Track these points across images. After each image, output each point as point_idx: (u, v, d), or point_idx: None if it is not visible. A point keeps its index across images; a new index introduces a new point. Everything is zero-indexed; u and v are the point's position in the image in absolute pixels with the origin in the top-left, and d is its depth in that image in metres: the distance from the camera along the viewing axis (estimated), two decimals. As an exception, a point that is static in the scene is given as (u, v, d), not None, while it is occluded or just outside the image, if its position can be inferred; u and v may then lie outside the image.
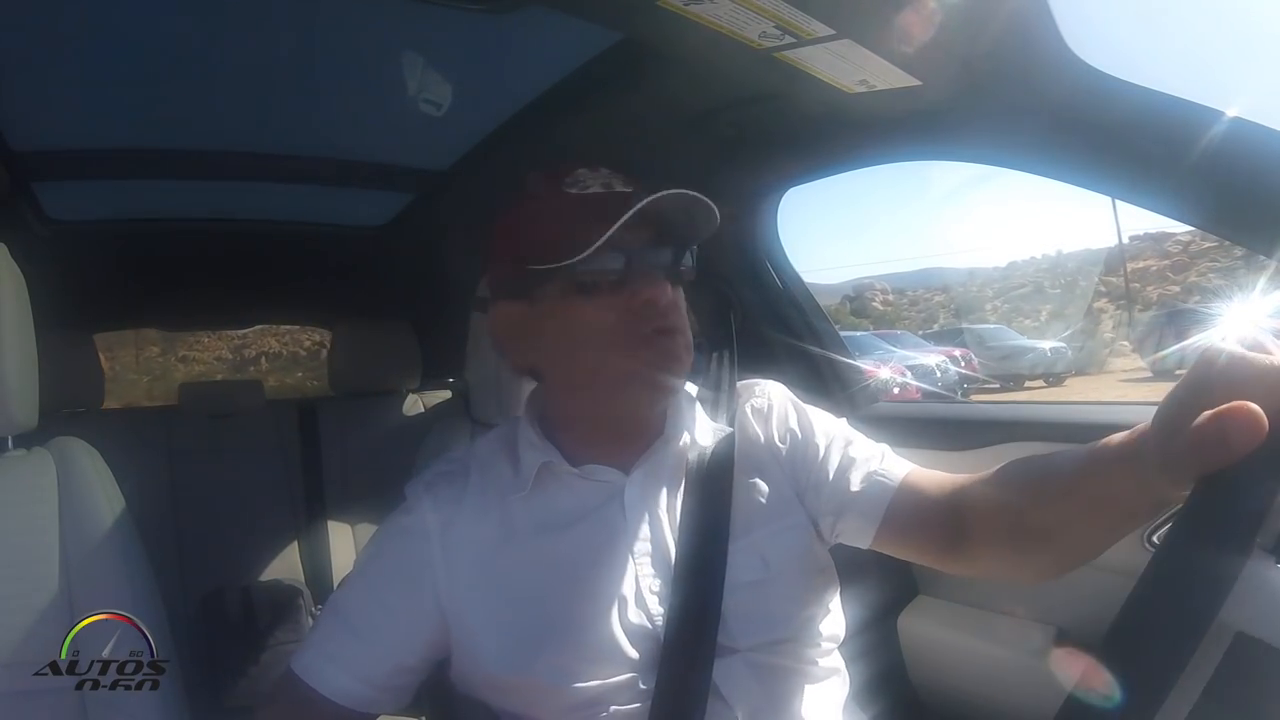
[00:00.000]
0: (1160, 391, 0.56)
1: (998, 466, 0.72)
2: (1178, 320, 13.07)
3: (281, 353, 17.17)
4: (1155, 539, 0.94)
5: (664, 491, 0.79)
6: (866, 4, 0.82)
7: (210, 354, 16.67)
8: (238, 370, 16.43)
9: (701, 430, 0.81)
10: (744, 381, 0.91)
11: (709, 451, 0.80)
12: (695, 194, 0.70)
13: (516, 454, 0.80)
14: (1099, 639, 0.54)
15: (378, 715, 0.74)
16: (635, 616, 0.72)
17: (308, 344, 16.66)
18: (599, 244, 0.68)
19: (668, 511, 0.78)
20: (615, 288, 0.71)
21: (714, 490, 0.78)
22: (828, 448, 0.82)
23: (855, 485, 0.79)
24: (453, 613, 0.73)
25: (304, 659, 0.74)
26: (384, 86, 1.27)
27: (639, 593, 0.73)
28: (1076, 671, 0.54)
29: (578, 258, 0.69)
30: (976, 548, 0.71)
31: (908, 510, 0.76)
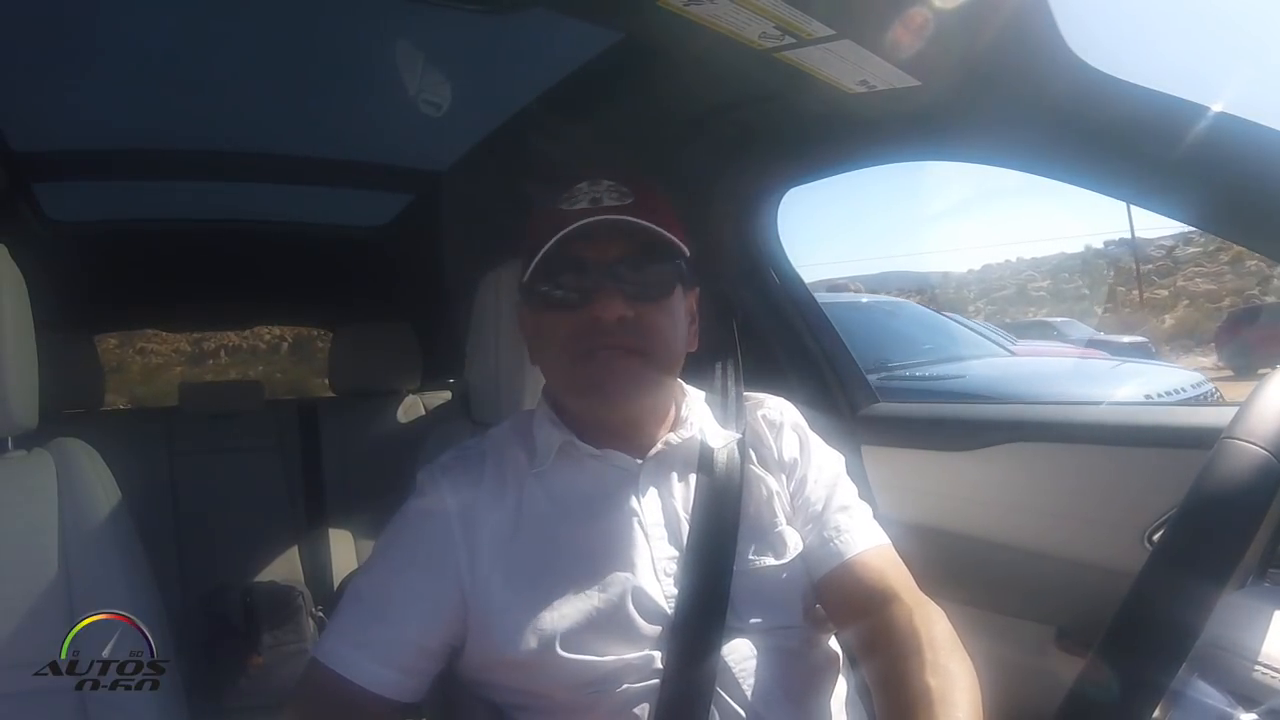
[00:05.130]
0: (1244, 391, 0.58)
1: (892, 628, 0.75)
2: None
3: (241, 346, 17.06)
4: (1155, 539, 0.94)
5: (676, 478, 0.82)
6: (866, 4, 0.82)
7: (168, 347, 16.44)
8: (196, 363, 16.29)
9: (712, 431, 0.85)
10: (756, 394, 0.94)
11: (720, 448, 0.83)
12: (630, 218, 0.74)
13: (532, 439, 0.83)
14: (1098, 638, 0.54)
15: (403, 702, 0.74)
16: (651, 592, 0.74)
17: (267, 337, 16.63)
18: (535, 264, 0.75)
19: (681, 498, 0.81)
20: (578, 302, 0.76)
21: (725, 481, 0.81)
22: (815, 483, 0.85)
23: (811, 537, 0.82)
24: (474, 592, 0.75)
25: (328, 647, 0.74)
26: (384, 86, 1.27)
27: (654, 571, 0.76)
28: (1076, 670, 0.55)
29: (526, 277, 0.77)
30: (867, 662, 0.77)
31: (840, 589, 0.80)
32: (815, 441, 0.90)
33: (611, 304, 0.74)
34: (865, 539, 0.82)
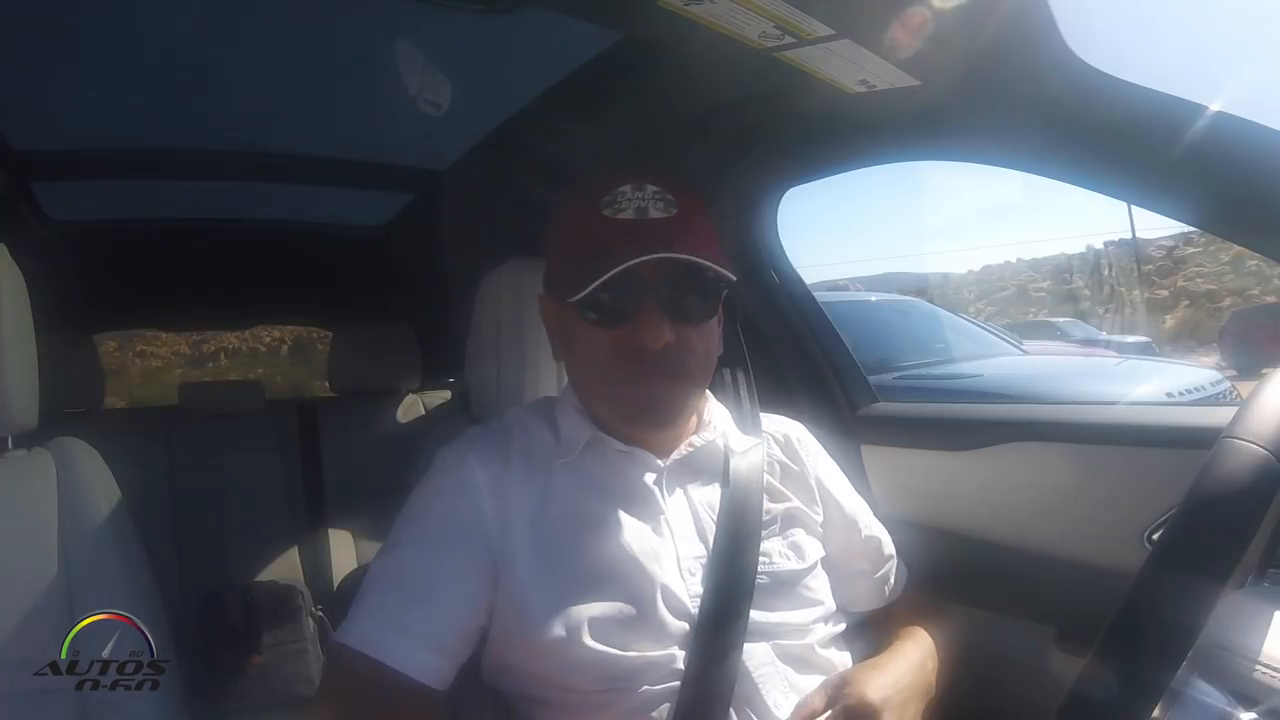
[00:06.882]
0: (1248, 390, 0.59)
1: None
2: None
3: (240, 349, 16.99)
4: (1155, 539, 0.94)
5: (700, 480, 0.82)
6: (866, 4, 0.82)
7: (168, 349, 16.40)
8: (196, 366, 16.24)
9: (733, 435, 0.86)
10: (773, 415, 0.96)
11: (741, 452, 0.84)
12: (694, 259, 0.73)
13: (556, 425, 0.82)
14: (1098, 638, 0.54)
15: (432, 689, 0.71)
16: (677, 591, 0.74)
17: (267, 340, 16.60)
18: (589, 290, 0.72)
19: (704, 499, 0.81)
20: (620, 319, 0.75)
21: (748, 484, 0.82)
22: (852, 521, 0.91)
23: (866, 570, 0.91)
24: (505, 566, 0.73)
25: (358, 630, 0.71)
26: (384, 86, 1.27)
27: (680, 570, 0.76)
28: (1075, 670, 0.55)
29: (574, 297, 0.74)
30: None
31: (879, 619, 0.92)
32: (832, 466, 0.94)
33: (657, 330, 0.73)
34: (901, 578, 0.96)
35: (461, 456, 0.79)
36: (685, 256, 0.73)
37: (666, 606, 0.73)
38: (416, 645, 0.70)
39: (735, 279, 0.78)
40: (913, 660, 0.79)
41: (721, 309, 0.84)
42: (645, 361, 0.74)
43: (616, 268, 0.71)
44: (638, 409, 0.77)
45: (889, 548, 0.94)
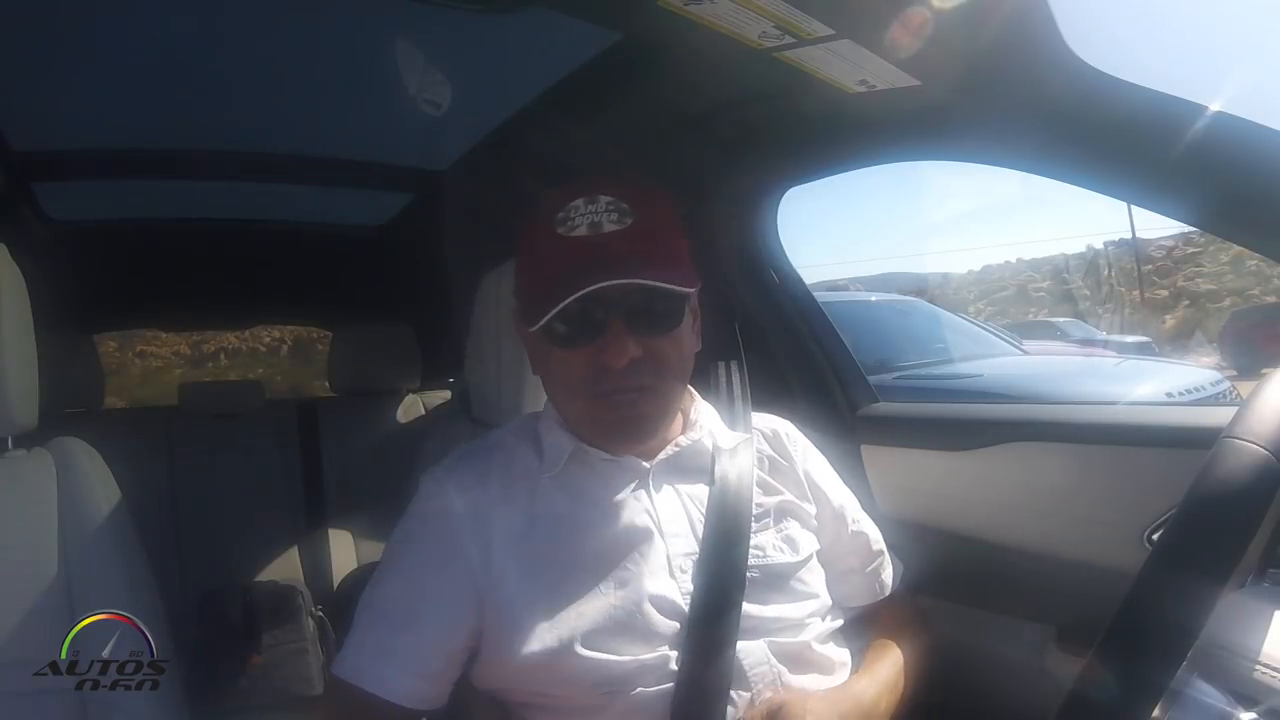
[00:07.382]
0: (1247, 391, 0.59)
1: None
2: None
3: (240, 349, 16.96)
4: (1155, 538, 0.94)
5: (689, 479, 0.82)
6: (866, 4, 0.82)
7: (168, 349, 16.40)
8: (196, 366, 16.25)
9: (721, 433, 0.86)
10: (762, 414, 0.96)
11: (730, 449, 0.84)
12: (644, 282, 0.72)
13: (540, 441, 0.82)
14: (1098, 638, 0.54)
15: (426, 710, 0.73)
16: (668, 591, 0.74)
17: (267, 340, 16.58)
18: (545, 320, 0.72)
19: (694, 498, 0.81)
20: (584, 340, 0.74)
21: (737, 480, 0.82)
22: (841, 510, 0.90)
23: (853, 566, 0.90)
24: (489, 592, 0.74)
25: (349, 663, 0.73)
26: (384, 86, 1.27)
27: (670, 569, 0.76)
28: (1075, 670, 0.55)
29: (533, 326, 0.74)
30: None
31: (870, 616, 0.91)
32: (821, 461, 0.93)
33: (621, 347, 0.72)
34: (893, 572, 0.94)
35: (440, 485, 0.79)
36: (634, 281, 0.72)
37: (657, 608, 0.73)
38: (404, 673, 0.72)
39: (698, 285, 0.78)
40: (866, 696, 0.76)
41: (699, 306, 0.83)
42: (614, 378, 0.74)
43: (568, 297, 0.70)
44: (613, 426, 0.77)
45: (878, 543, 0.93)
